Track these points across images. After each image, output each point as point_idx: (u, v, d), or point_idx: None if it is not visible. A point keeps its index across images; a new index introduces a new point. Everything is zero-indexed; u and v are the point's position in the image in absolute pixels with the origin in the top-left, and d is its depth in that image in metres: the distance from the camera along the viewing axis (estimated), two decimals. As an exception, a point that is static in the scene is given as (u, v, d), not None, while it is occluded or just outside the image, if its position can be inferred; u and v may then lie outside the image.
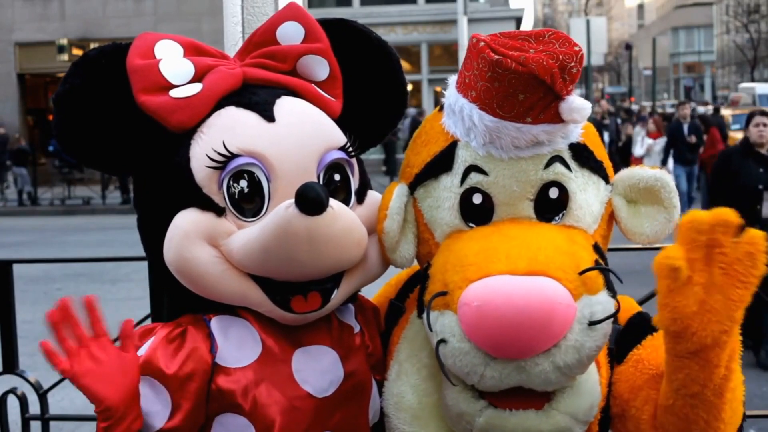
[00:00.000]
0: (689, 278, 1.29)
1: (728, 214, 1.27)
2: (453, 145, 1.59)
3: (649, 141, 13.71)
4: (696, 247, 1.29)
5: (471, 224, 1.58)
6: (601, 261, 1.52)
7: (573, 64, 1.44)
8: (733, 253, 1.28)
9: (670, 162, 12.87)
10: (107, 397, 1.43)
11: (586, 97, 20.68)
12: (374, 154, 21.62)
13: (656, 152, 13.41)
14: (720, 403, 1.38)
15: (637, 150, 13.85)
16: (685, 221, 1.29)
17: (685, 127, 12.92)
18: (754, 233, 1.28)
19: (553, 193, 1.55)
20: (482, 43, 1.47)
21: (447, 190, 1.58)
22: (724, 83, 58.04)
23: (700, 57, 60.75)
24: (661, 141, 13.50)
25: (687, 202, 12.82)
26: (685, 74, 61.09)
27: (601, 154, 1.64)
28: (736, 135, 17.18)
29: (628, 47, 45.31)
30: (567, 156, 1.56)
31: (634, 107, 29.25)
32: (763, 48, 45.93)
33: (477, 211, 1.57)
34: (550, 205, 1.56)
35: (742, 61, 49.91)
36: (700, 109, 24.31)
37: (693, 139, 12.75)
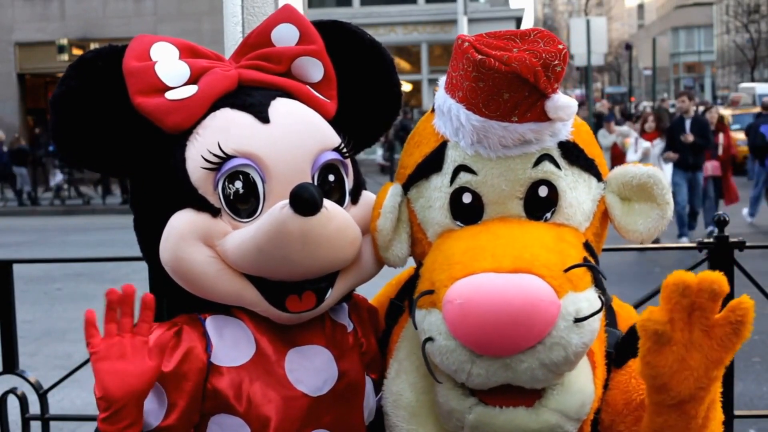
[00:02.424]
0: (670, 338, 1.31)
1: (716, 282, 1.27)
2: (443, 146, 1.60)
3: (645, 144, 11.04)
4: (679, 309, 1.30)
5: (460, 223, 1.59)
6: (590, 259, 1.52)
7: (557, 62, 1.45)
8: (716, 319, 1.29)
9: (669, 168, 10.61)
10: (111, 389, 1.42)
11: (586, 97, 20.66)
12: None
13: (655, 155, 10.89)
14: None
15: (630, 155, 11.38)
16: (670, 282, 1.30)
17: (687, 124, 10.50)
18: (742, 302, 1.28)
19: (543, 191, 1.56)
20: (467, 44, 1.48)
21: (437, 190, 1.59)
22: (724, 83, 57.93)
23: (700, 57, 60.62)
24: (660, 143, 11.07)
25: (688, 217, 10.54)
26: (685, 74, 60.96)
27: (593, 152, 1.64)
28: (737, 135, 17.09)
29: (628, 47, 45.24)
30: (556, 154, 1.56)
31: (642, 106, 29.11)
32: (763, 48, 45.87)
33: (467, 211, 1.58)
34: (540, 203, 1.56)
35: (742, 61, 49.83)
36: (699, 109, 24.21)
37: (689, 137, 10.22)
